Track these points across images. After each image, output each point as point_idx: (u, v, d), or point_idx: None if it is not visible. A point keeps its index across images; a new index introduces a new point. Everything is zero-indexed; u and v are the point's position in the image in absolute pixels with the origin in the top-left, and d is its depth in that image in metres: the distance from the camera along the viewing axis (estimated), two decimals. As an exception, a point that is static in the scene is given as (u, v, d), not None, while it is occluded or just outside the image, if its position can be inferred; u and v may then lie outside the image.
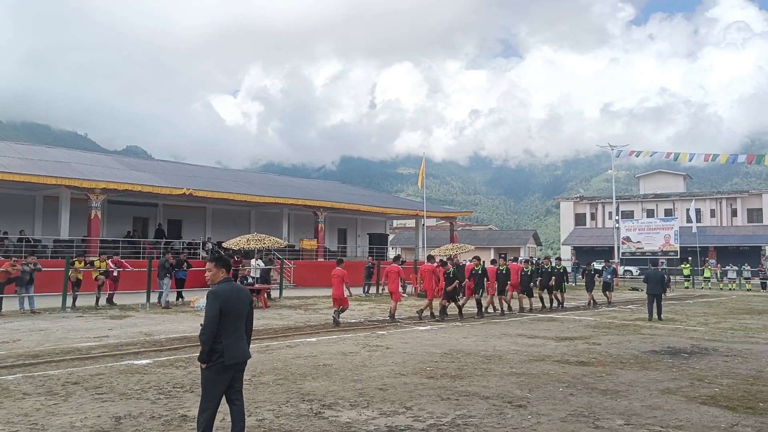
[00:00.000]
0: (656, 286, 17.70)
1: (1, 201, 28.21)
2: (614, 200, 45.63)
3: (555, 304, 20.72)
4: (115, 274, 19.90)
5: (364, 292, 26.25)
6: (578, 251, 59.33)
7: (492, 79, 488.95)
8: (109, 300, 19.41)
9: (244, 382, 5.62)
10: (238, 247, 23.99)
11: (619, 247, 43.58)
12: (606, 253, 52.04)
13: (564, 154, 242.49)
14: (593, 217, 68.61)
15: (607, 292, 23.27)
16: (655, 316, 17.41)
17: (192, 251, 29.80)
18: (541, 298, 20.72)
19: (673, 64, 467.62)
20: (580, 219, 68.98)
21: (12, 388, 7.70)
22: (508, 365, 9.73)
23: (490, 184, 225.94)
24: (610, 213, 63.02)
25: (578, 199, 71.82)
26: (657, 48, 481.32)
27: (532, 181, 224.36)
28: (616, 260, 41.78)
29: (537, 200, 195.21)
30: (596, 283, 24.30)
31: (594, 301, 22.49)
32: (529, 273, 19.75)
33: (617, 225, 45.39)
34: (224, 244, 25.09)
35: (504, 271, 18.69)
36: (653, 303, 17.64)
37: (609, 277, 23.47)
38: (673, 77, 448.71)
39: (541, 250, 69.60)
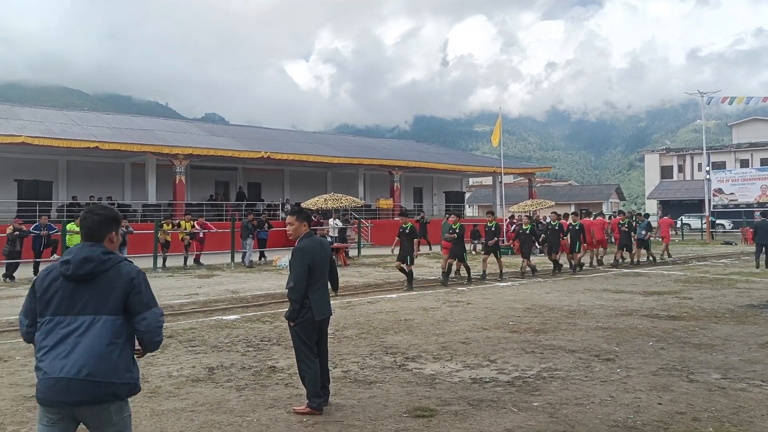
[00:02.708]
0: (765, 236, 17.79)
1: (92, 168, 29.78)
2: (704, 150, 43.09)
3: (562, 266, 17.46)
4: (201, 235, 20.67)
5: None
6: (665, 205, 56.85)
7: (569, 29, 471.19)
8: (196, 260, 20.22)
9: (328, 336, 5.69)
10: (316, 207, 24.37)
11: (710, 200, 41.40)
12: (695, 206, 49.68)
13: (648, 105, 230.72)
14: (681, 169, 65.40)
15: (643, 250, 20.20)
16: (762, 264, 17.61)
17: (272, 213, 30.51)
18: (555, 261, 17.26)
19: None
20: (666, 172, 65.90)
21: (112, 341, 8.13)
22: (593, 320, 9.47)
23: (569, 138, 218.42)
24: (699, 164, 59.82)
25: (664, 151, 68.49)
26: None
27: (614, 134, 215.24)
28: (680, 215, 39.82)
29: (619, 154, 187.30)
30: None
31: (652, 257, 20.19)
32: (625, 226, 19.31)
33: (708, 177, 42.93)
34: (303, 204, 25.53)
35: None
36: (761, 252, 17.90)
37: (643, 233, 20.04)
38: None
39: (624, 205, 67.03)
